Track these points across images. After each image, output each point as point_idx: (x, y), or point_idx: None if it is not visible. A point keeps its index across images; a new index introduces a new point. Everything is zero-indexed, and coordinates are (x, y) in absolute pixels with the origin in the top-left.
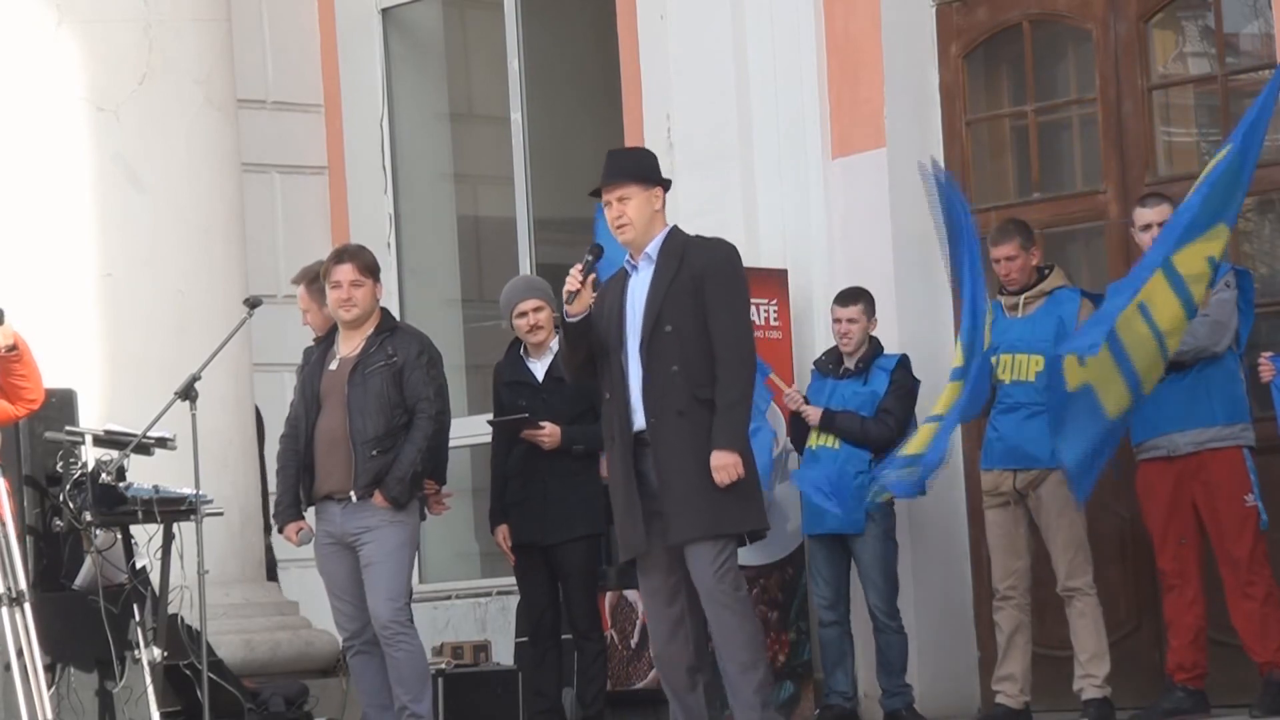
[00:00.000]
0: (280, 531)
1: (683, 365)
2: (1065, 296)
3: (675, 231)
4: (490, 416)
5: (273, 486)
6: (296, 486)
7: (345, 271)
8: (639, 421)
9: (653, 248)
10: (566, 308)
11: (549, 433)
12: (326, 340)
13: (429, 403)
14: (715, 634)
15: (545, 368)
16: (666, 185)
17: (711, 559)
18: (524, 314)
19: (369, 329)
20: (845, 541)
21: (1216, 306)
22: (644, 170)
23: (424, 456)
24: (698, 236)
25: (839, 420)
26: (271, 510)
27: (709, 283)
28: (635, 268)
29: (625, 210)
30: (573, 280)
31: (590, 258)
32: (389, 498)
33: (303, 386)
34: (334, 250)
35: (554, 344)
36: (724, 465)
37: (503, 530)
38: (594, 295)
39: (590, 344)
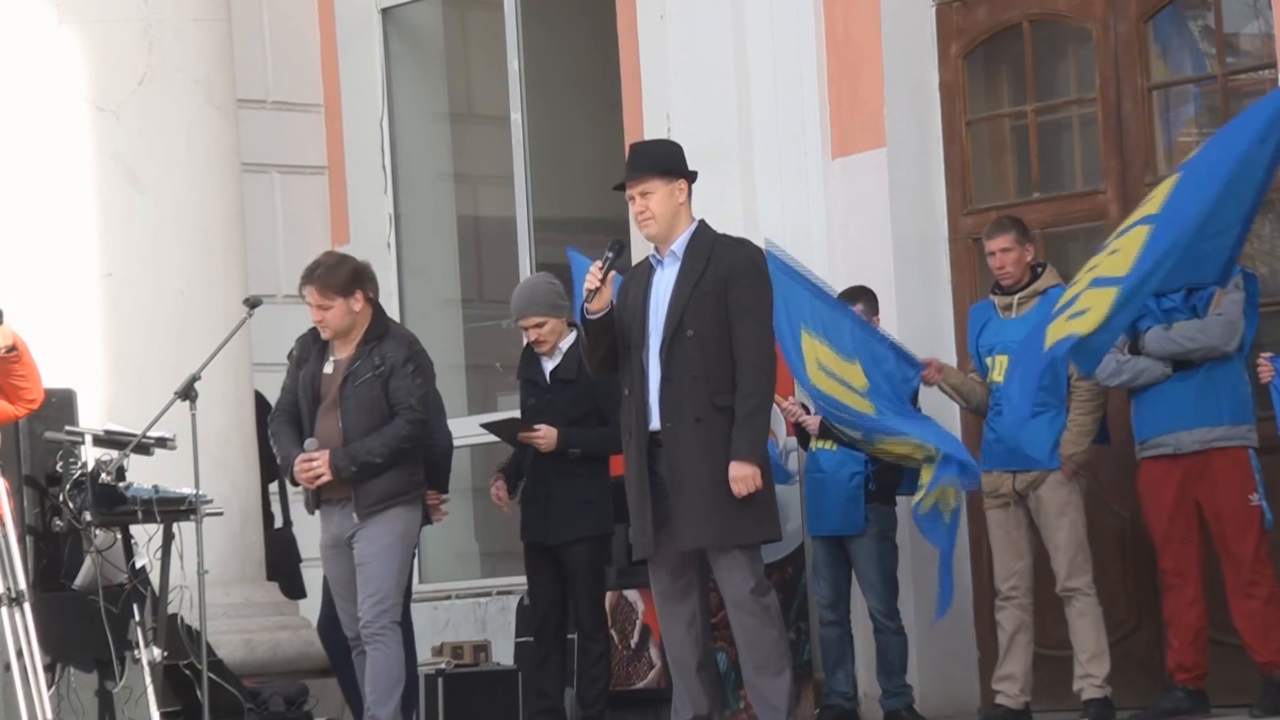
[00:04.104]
0: (295, 471)
1: (702, 371)
2: (1057, 296)
3: (703, 228)
4: (486, 419)
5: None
6: (297, 436)
7: (310, 294)
8: (655, 422)
9: (679, 245)
10: (586, 305)
11: (544, 435)
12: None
13: (410, 410)
14: (740, 641)
15: (552, 368)
16: (692, 177)
17: (741, 568)
18: (526, 329)
19: (359, 335)
20: (843, 543)
21: (1229, 306)
22: (667, 162)
23: (389, 453)
24: (724, 235)
25: (835, 430)
26: (279, 465)
27: (733, 286)
28: (661, 263)
29: (649, 205)
30: (592, 278)
31: (611, 254)
32: (331, 464)
33: (305, 385)
34: (307, 267)
35: (563, 345)
36: (743, 477)
37: (500, 486)
38: (615, 291)
39: (612, 339)
